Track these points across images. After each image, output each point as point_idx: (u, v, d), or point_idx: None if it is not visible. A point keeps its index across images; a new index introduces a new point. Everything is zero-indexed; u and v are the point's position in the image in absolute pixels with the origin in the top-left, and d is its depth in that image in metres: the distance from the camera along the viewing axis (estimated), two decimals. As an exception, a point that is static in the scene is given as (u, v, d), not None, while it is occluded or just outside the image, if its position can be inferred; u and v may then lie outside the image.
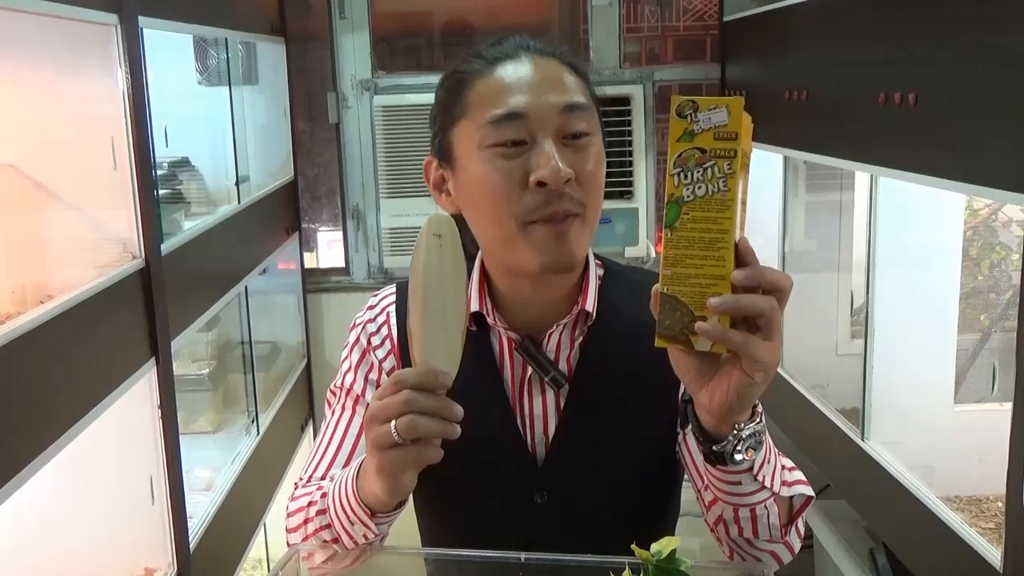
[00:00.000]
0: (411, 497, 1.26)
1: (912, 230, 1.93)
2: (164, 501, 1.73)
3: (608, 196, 3.09)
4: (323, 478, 1.15)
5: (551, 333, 1.11)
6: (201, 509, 2.00)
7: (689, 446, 1.08)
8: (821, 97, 2.13)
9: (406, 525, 1.34)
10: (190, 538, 1.82)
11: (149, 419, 1.70)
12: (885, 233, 1.92)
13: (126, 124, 1.60)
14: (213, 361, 2.48)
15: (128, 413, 1.63)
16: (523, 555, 0.98)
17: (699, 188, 0.81)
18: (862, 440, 2.00)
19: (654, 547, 0.92)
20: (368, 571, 1.07)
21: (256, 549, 2.50)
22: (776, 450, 1.01)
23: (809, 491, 1.05)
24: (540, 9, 3.39)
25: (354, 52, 3.12)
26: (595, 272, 1.14)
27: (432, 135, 1.12)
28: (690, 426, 0.95)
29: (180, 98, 2.37)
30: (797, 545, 1.06)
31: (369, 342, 1.19)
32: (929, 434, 1.95)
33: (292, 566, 1.04)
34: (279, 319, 3.06)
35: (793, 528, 1.05)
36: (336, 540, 1.06)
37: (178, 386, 1.80)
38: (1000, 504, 1.81)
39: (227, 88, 2.46)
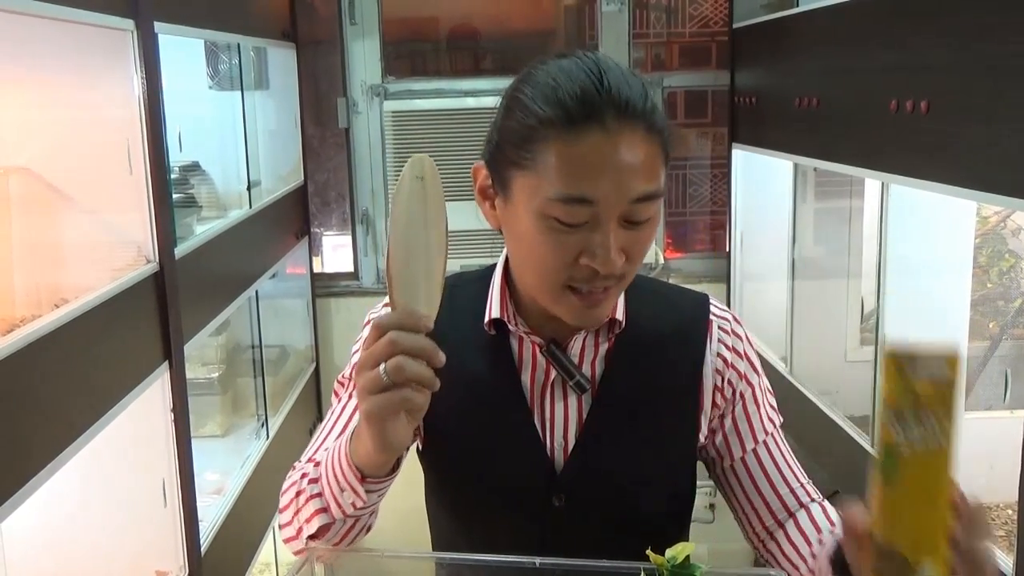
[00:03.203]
0: (422, 498, 1.27)
1: (922, 237, 1.93)
2: (176, 504, 1.73)
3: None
4: None
5: (576, 338, 1.11)
6: (211, 512, 2.00)
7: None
8: (832, 105, 2.13)
9: (417, 530, 1.34)
10: (201, 541, 1.83)
11: (162, 423, 1.70)
12: (895, 240, 1.92)
13: (141, 128, 1.60)
14: (223, 365, 2.49)
15: (141, 417, 1.63)
16: (537, 560, 0.98)
17: (916, 440, 0.81)
18: (871, 447, 2.00)
19: (669, 552, 0.92)
20: (380, 575, 1.07)
21: (265, 552, 2.51)
22: None
23: None
24: (546, 16, 3.39)
25: (364, 57, 3.12)
26: None
27: (489, 141, 1.05)
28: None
29: (191, 103, 2.38)
30: None
31: None
32: (939, 442, 1.94)
33: (307, 570, 1.04)
34: (288, 323, 3.07)
35: None
36: (325, 509, 1.02)
37: (188, 390, 1.80)
38: (1010, 512, 1.81)
39: (239, 93, 2.47)
